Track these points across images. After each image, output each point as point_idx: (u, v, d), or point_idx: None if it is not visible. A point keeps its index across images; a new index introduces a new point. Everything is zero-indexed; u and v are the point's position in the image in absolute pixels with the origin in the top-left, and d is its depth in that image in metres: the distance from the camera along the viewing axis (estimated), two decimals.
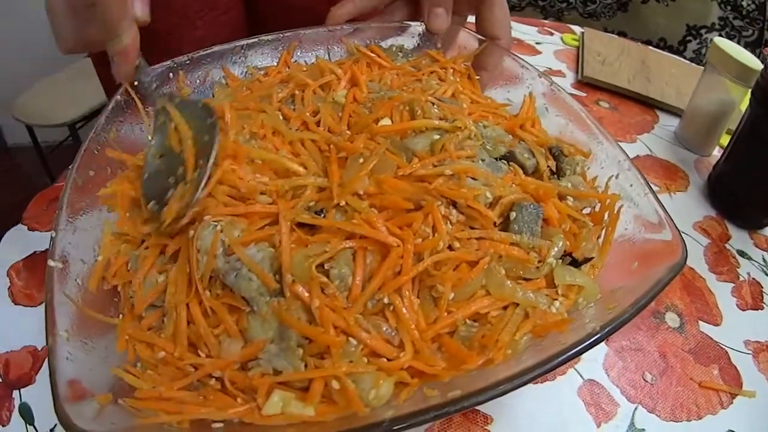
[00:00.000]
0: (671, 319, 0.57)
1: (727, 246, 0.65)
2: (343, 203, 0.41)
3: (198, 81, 0.57)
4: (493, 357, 0.36)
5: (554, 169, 0.52)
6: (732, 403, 0.50)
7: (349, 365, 0.35)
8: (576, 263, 0.44)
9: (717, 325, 0.57)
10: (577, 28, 1.05)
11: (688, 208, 0.69)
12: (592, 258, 0.45)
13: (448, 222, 0.42)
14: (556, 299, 0.41)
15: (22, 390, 0.46)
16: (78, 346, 0.36)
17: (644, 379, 0.52)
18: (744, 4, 1.26)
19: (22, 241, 0.57)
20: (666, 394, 0.50)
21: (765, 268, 0.64)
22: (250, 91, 0.54)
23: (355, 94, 0.53)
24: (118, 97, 0.49)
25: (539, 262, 0.42)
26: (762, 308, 0.60)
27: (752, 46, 1.30)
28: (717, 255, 0.64)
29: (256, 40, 0.59)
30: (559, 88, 0.56)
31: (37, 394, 0.46)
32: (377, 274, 0.38)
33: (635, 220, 0.47)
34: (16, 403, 0.45)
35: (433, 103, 0.51)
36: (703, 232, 0.66)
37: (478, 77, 0.61)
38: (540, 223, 0.44)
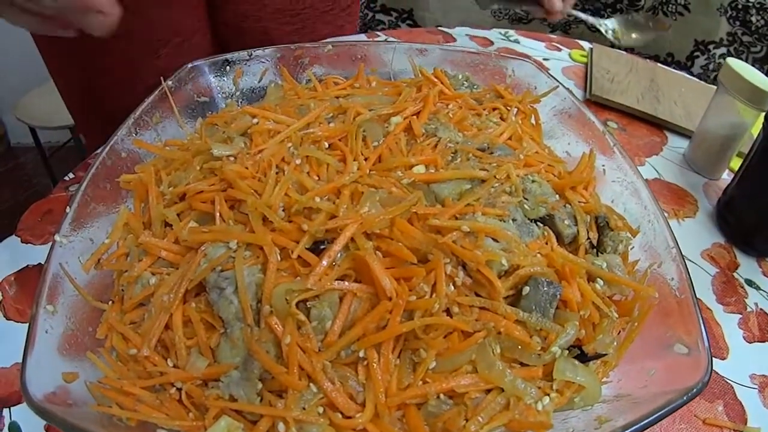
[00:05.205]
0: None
1: (735, 275, 0.62)
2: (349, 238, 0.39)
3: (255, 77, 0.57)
4: None
5: (594, 242, 0.47)
6: None
7: (301, 412, 0.34)
8: (584, 357, 0.40)
9: (723, 358, 0.54)
10: (585, 44, 1.01)
11: (696, 235, 0.66)
12: (606, 354, 0.40)
13: (452, 283, 0.39)
14: (549, 394, 0.37)
15: (12, 408, 0.44)
16: (60, 323, 0.37)
17: None
18: (753, 19, 1.20)
19: (15, 254, 0.54)
20: None
21: None
22: (298, 96, 0.53)
23: (410, 123, 0.51)
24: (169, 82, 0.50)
25: (542, 348, 0.39)
26: None
27: (761, 63, 1.24)
28: (725, 285, 0.61)
29: (317, 45, 0.58)
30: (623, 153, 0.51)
31: (27, 413, 0.40)
32: (359, 324, 0.36)
33: (667, 321, 0.41)
34: (6, 421, 0.43)
35: (483, 151, 0.48)
36: (711, 260, 0.64)
37: None
38: (555, 305, 0.40)
